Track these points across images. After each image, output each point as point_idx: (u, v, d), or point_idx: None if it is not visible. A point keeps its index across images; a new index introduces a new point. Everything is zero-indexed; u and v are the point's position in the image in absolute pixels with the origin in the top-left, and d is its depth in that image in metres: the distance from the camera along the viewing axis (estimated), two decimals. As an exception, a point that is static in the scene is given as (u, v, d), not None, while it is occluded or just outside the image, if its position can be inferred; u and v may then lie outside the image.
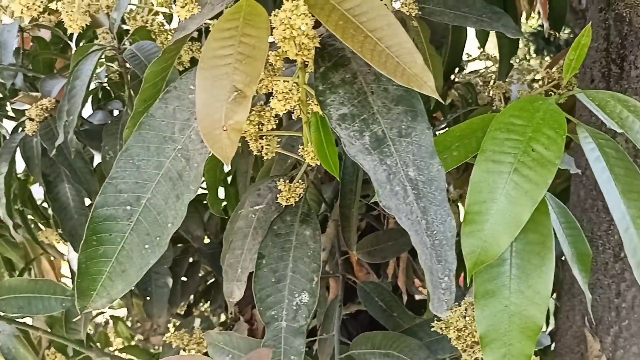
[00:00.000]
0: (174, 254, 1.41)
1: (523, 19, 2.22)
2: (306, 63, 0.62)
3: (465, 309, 0.81)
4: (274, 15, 0.56)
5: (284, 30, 0.55)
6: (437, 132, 1.69)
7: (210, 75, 0.53)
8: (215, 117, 0.51)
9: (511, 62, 1.52)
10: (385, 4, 0.89)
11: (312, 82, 0.62)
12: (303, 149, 0.70)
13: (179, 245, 1.47)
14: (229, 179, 1.33)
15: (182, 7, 0.60)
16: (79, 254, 0.63)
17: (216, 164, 0.90)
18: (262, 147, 0.74)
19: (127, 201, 0.62)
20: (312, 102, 0.64)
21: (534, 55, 6.05)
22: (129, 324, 2.12)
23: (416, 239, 0.53)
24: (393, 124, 0.57)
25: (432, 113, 1.72)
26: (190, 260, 1.52)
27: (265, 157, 0.75)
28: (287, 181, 0.74)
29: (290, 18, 0.54)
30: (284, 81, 0.61)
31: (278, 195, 0.74)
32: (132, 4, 1.16)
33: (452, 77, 1.65)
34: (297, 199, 0.74)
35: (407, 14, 0.86)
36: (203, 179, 1.07)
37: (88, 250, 0.62)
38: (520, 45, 5.88)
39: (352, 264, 1.24)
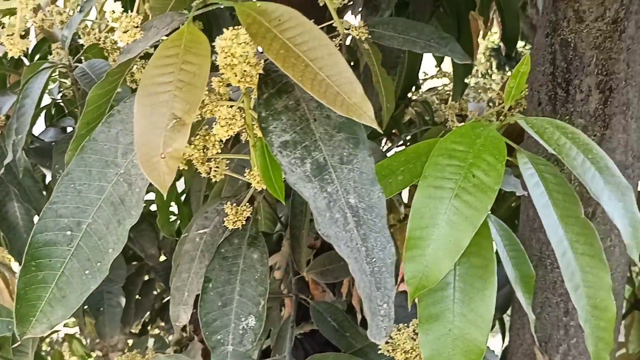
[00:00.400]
0: (128, 272, 1.40)
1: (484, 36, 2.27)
2: (251, 89, 0.63)
3: (414, 330, 0.81)
4: (218, 39, 0.56)
5: (224, 57, 0.55)
6: (394, 150, 1.71)
7: (149, 102, 0.52)
8: (154, 144, 0.51)
9: (466, 81, 1.54)
10: (337, 27, 0.90)
11: (258, 107, 0.62)
12: (249, 172, 0.70)
13: (134, 263, 1.46)
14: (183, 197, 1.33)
15: (124, 32, 0.59)
16: (17, 279, 0.62)
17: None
18: (210, 169, 0.74)
19: (67, 226, 0.61)
20: (257, 127, 0.65)
21: (496, 71, 6.17)
22: (87, 340, 2.09)
23: (355, 266, 0.54)
24: (335, 151, 0.58)
25: (391, 130, 1.73)
26: (146, 278, 1.50)
27: (213, 179, 0.75)
28: (234, 204, 0.74)
29: (231, 47, 0.54)
30: (228, 106, 0.61)
31: (225, 219, 0.73)
32: (88, 20, 1.15)
33: (410, 95, 1.67)
34: (244, 222, 0.74)
35: (358, 37, 0.87)
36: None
37: (27, 276, 0.61)
38: (483, 60, 6.00)
39: (308, 283, 1.24)
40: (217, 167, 0.74)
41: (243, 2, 0.65)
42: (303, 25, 0.56)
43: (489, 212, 0.74)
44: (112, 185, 0.62)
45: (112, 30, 1.15)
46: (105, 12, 1.45)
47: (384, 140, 1.90)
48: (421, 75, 1.83)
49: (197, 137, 0.66)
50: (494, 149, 0.64)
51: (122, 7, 1.38)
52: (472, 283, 0.66)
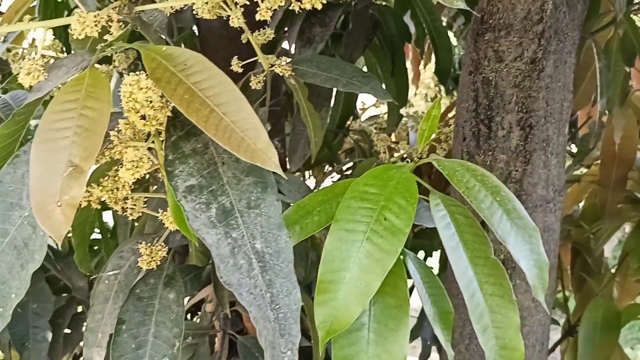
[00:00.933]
0: (58, 304, 1.36)
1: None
2: (160, 130, 0.62)
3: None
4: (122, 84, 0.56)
5: (127, 102, 0.54)
6: (330, 180, 1.72)
7: (46, 148, 0.51)
8: (50, 192, 0.50)
9: (403, 111, 1.57)
10: (262, 63, 0.90)
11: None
12: (163, 213, 0.69)
13: (64, 295, 1.42)
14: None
15: (27, 74, 0.58)
16: None
17: (85, 219, 0.87)
18: (126, 208, 0.73)
19: (-32, 271, 0.59)
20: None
21: (444, 95, 6.28)
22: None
23: (257, 314, 0.53)
24: (242, 195, 0.58)
25: (330, 159, 1.74)
26: (79, 309, 1.46)
27: (130, 218, 0.73)
28: (149, 244, 0.73)
29: (132, 92, 0.53)
30: (135, 149, 0.60)
31: (139, 259, 0.72)
32: (21, 47, 1.12)
33: (349, 123, 1.68)
34: (159, 262, 0.73)
35: (282, 74, 0.87)
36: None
37: None
38: (432, 85, 6.09)
39: (241, 316, 1.22)
40: (134, 204, 0.73)
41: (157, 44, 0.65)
42: (209, 70, 0.56)
43: (406, 250, 0.76)
44: (16, 228, 0.60)
45: (43, 57, 1.13)
46: (34, 39, 1.42)
47: (326, 166, 1.91)
48: (360, 105, 1.85)
49: (107, 178, 0.65)
50: (406, 192, 0.65)
51: (54, 35, 1.36)
52: (386, 324, 0.67)
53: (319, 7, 0.59)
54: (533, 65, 0.94)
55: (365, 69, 1.57)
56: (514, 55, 0.94)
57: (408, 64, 2.25)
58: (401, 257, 0.70)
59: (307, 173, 1.80)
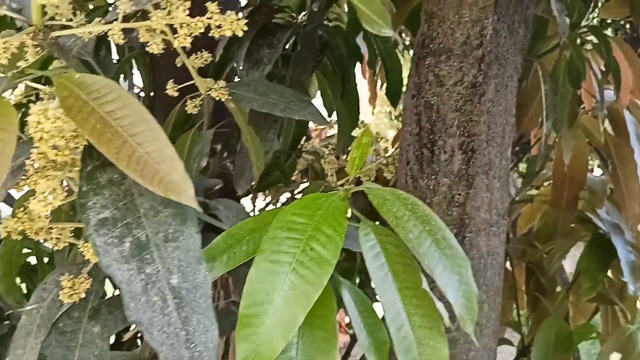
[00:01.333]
0: (0, 332, 1.31)
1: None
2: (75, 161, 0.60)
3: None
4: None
5: (35, 132, 0.52)
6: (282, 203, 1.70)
7: (-56, 181, 0.49)
8: (-54, 228, 0.47)
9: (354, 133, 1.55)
10: (199, 87, 0.88)
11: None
12: (83, 244, 0.67)
13: (6, 322, 1.36)
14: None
15: None
16: None
17: (11, 249, 0.84)
18: (50, 238, 0.70)
19: None
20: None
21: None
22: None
23: (170, 353, 0.51)
24: (160, 228, 0.56)
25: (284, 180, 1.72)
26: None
27: (55, 248, 0.71)
28: (72, 276, 0.70)
29: (40, 122, 0.51)
30: (48, 179, 0.58)
31: (60, 292, 0.69)
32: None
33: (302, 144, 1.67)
34: (84, 295, 0.70)
35: (217, 98, 0.86)
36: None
37: None
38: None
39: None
40: (59, 234, 0.71)
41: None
42: (123, 98, 0.54)
43: (341, 279, 0.74)
44: None
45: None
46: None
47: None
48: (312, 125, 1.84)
49: (22, 210, 0.63)
50: (334, 222, 0.64)
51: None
52: (314, 357, 0.65)
53: (240, 34, 0.57)
54: (474, 89, 0.94)
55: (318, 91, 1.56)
56: (454, 80, 0.94)
57: (365, 84, 2.26)
58: (332, 287, 0.69)
59: (260, 194, 1.78)
